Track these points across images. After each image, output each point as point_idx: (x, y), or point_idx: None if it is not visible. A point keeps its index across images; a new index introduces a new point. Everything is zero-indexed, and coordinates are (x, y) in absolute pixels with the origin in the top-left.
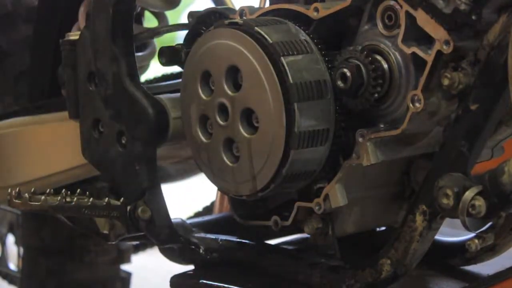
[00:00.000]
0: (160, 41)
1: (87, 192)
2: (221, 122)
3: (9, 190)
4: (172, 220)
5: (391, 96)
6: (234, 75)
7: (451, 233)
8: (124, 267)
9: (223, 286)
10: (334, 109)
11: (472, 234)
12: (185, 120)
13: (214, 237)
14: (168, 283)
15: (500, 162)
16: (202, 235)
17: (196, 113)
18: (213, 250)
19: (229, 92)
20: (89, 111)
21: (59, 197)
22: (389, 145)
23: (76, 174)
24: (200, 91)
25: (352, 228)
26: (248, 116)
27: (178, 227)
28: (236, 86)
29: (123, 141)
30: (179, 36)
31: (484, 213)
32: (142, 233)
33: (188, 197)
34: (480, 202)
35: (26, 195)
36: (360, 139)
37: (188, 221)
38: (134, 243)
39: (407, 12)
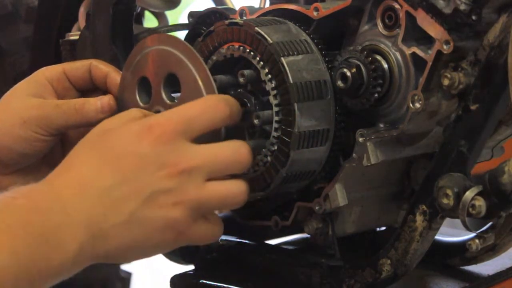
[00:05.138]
0: None
1: None
2: None
3: None
4: None
5: (391, 96)
6: (173, 83)
7: (451, 233)
8: (124, 267)
9: (223, 286)
10: (334, 109)
11: (472, 234)
12: None
13: None
14: (168, 283)
15: (500, 162)
16: None
17: None
18: (213, 250)
19: (167, 101)
20: None
21: None
22: (389, 145)
23: None
24: (137, 96)
25: (352, 228)
26: None
27: None
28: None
29: None
30: (179, 36)
31: (484, 213)
32: None
33: None
34: (480, 202)
35: None
36: (360, 139)
37: None
38: None
39: (407, 12)
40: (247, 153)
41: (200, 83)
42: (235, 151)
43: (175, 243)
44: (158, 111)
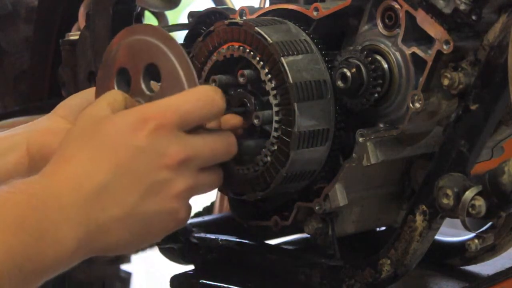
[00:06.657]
0: None
1: None
2: None
3: None
4: None
5: (391, 96)
6: (152, 73)
7: (451, 233)
8: (124, 267)
9: (223, 286)
10: (334, 109)
11: (472, 234)
12: None
13: (214, 237)
14: (168, 283)
15: (500, 162)
16: (202, 235)
17: None
18: (213, 250)
19: (147, 92)
20: None
21: None
22: (389, 145)
23: None
24: (116, 87)
25: (352, 228)
26: None
27: None
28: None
29: None
30: (179, 36)
31: (484, 213)
32: None
33: None
34: (480, 202)
35: None
36: (360, 139)
37: (188, 221)
38: None
39: (407, 12)
40: (235, 143)
41: (181, 73)
42: (226, 142)
43: (175, 228)
44: (138, 102)
